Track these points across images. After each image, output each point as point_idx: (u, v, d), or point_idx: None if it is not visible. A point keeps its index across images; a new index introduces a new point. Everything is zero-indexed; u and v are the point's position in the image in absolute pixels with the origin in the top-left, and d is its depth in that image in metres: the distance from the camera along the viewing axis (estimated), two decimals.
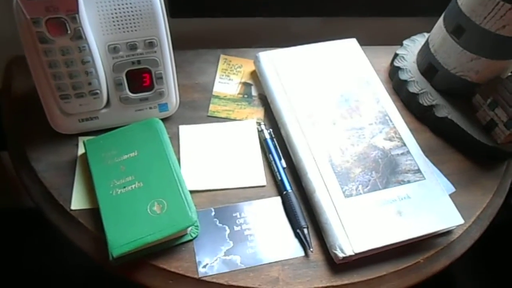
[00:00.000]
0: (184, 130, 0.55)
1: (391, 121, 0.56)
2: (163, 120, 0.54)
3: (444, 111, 0.58)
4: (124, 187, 0.47)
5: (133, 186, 0.47)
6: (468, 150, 0.58)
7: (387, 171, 0.51)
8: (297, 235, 0.48)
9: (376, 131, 0.55)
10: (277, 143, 0.54)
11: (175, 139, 0.54)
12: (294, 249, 0.47)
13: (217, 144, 0.54)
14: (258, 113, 0.58)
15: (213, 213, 0.49)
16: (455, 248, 0.50)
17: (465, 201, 0.53)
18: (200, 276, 0.44)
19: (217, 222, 0.48)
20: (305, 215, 0.49)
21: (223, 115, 0.58)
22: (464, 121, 0.57)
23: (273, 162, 0.53)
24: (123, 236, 0.44)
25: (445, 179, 0.55)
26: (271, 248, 0.47)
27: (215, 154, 0.54)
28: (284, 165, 0.53)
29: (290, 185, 0.51)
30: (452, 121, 0.57)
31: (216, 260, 0.46)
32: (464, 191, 0.54)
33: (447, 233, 0.51)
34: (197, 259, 0.45)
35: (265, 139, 0.54)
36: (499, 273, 0.91)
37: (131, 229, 0.44)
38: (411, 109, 0.61)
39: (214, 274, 0.45)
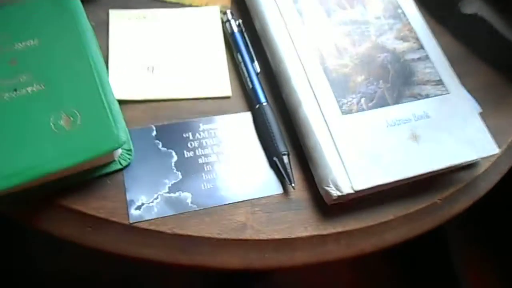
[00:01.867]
0: (116, 17, 0.39)
1: (404, 15, 0.41)
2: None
3: (473, 6, 0.43)
4: (15, 89, 0.31)
5: (29, 89, 0.31)
6: (500, 60, 0.44)
7: (399, 81, 0.37)
8: (273, 165, 0.34)
9: (384, 28, 0.40)
10: (248, 40, 0.39)
11: (102, 28, 0.38)
12: (268, 185, 0.34)
13: (163, 39, 0.38)
14: None
15: (154, 133, 0.34)
16: (480, 185, 0.38)
17: (494, 124, 0.39)
18: (131, 221, 0.31)
19: (160, 146, 0.34)
20: (285, 138, 0.35)
21: None
22: (497, 20, 0.43)
23: (242, 65, 0.37)
24: (11, 162, 0.29)
25: (468, 96, 0.41)
26: (236, 183, 0.33)
27: (160, 51, 0.38)
28: (258, 69, 0.38)
29: (265, 96, 0.36)
30: (482, 20, 0.43)
31: (157, 198, 0.32)
32: (492, 111, 0.41)
33: (470, 165, 0.38)
34: (128, 197, 0.31)
35: (232, 33, 0.39)
36: (502, 237, 0.76)
37: (25, 152, 0.29)
38: (427, 5, 0.46)
39: (152, 219, 0.31)
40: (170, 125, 0.35)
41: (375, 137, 0.34)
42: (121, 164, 0.32)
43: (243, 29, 0.39)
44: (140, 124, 0.34)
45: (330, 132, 0.34)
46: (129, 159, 0.32)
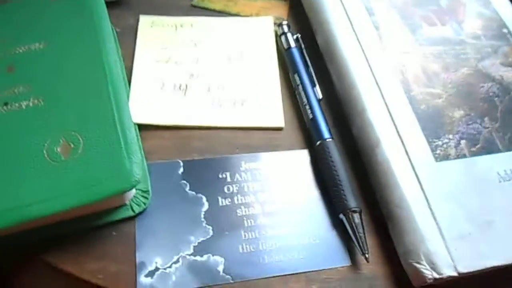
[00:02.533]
0: (147, 23, 0.32)
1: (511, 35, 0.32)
2: (111, 1, 0.30)
3: None
4: (6, 103, 0.24)
5: (24, 103, 0.24)
6: None
7: None
8: (338, 226, 0.25)
9: (487, 50, 0.31)
10: (308, 58, 0.31)
11: (128, 36, 0.31)
12: (331, 253, 0.24)
13: (202, 53, 0.31)
14: (279, 8, 0.34)
15: (180, 170, 0.26)
16: None
17: None
18: None
19: (187, 188, 0.25)
20: (356, 189, 0.26)
21: (218, 6, 0.34)
22: None
23: (300, 88, 0.29)
24: None
25: None
26: (286, 247, 0.24)
27: (197, 68, 0.30)
28: (320, 95, 0.29)
29: (329, 130, 0.27)
30: None
31: (177, 262, 0.23)
32: None
33: None
34: (138, 257, 0.23)
35: (289, 49, 0.31)
36: None
37: (8, 187, 0.21)
38: None
39: None
40: (202, 161, 0.26)
41: (483, 195, 0.25)
42: (133, 210, 0.24)
43: (302, 45, 0.31)
44: (163, 157, 0.26)
45: (420, 184, 0.24)
46: (144, 204, 0.24)
